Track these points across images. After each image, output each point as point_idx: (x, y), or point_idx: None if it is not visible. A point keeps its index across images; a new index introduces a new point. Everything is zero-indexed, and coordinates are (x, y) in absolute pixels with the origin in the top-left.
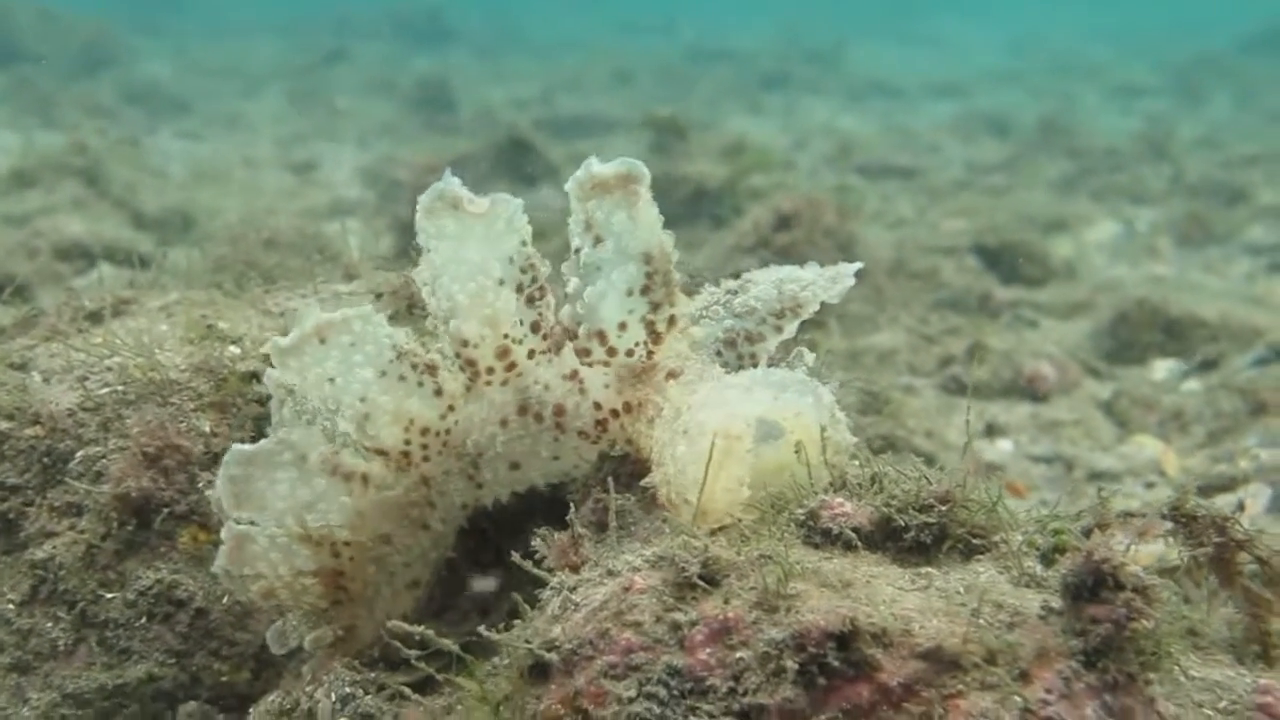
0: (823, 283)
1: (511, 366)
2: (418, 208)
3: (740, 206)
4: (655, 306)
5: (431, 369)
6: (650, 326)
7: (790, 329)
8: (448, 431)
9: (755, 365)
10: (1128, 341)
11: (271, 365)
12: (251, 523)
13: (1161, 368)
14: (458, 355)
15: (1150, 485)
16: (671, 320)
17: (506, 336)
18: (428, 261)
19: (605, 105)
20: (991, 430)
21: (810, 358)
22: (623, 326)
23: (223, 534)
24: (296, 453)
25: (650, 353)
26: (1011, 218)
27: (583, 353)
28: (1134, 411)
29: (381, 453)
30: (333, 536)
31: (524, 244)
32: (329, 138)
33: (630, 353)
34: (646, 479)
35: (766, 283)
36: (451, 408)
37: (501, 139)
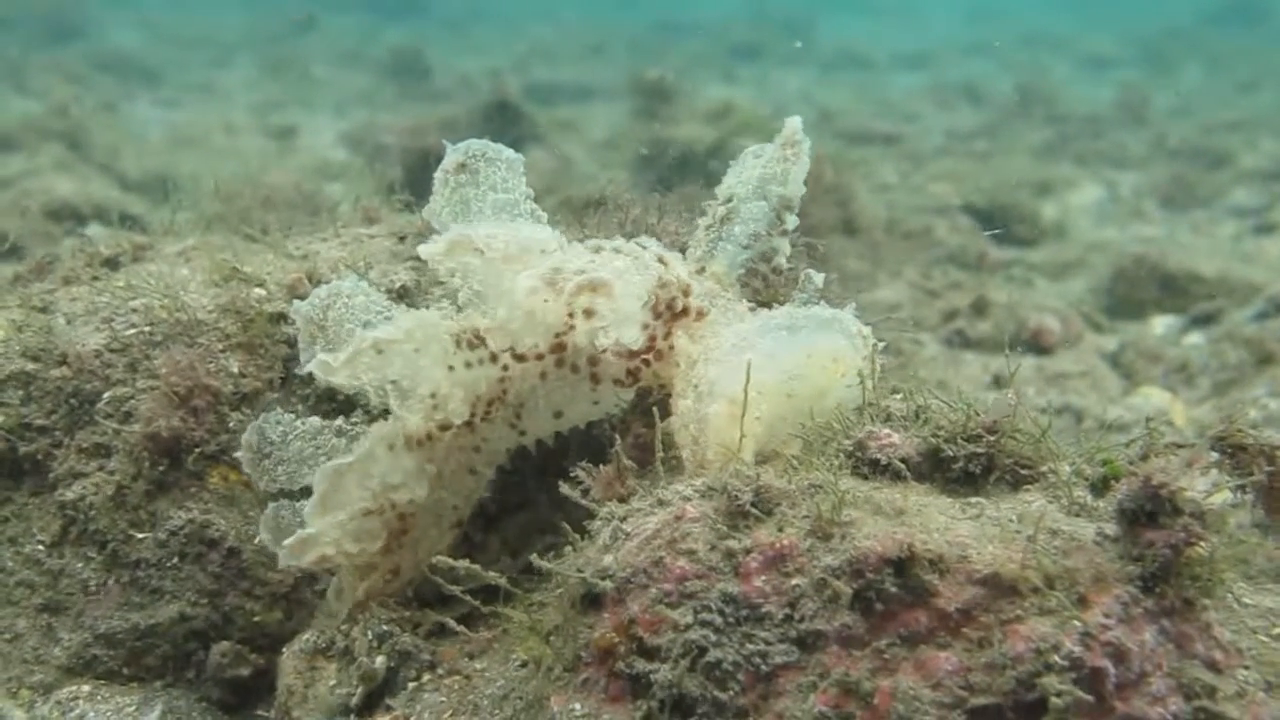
0: (792, 164)
1: (562, 349)
2: (431, 254)
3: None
4: None
5: (483, 340)
6: None
7: (792, 222)
8: (504, 393)
9: (779, 275)
10: (1125, 297)
11: (317, 372)
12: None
13: (1160, 323)
14: (506, 353)
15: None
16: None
17: (558, 335)
18: (460, 286)
19: (580, 74)
20: (999, 382)
21: (819, 278)
22: None
23: (285, 545)
24: (387, 444)
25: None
26: (997, 182)
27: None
28: (1140, 364)
29: (446, 427)
30: (402, 498)
31: (543, 251)
32: (305, 105)
33: None
34: (663, 424)
35: (751, 198)
36: (505, 368)
37: (487, 103)
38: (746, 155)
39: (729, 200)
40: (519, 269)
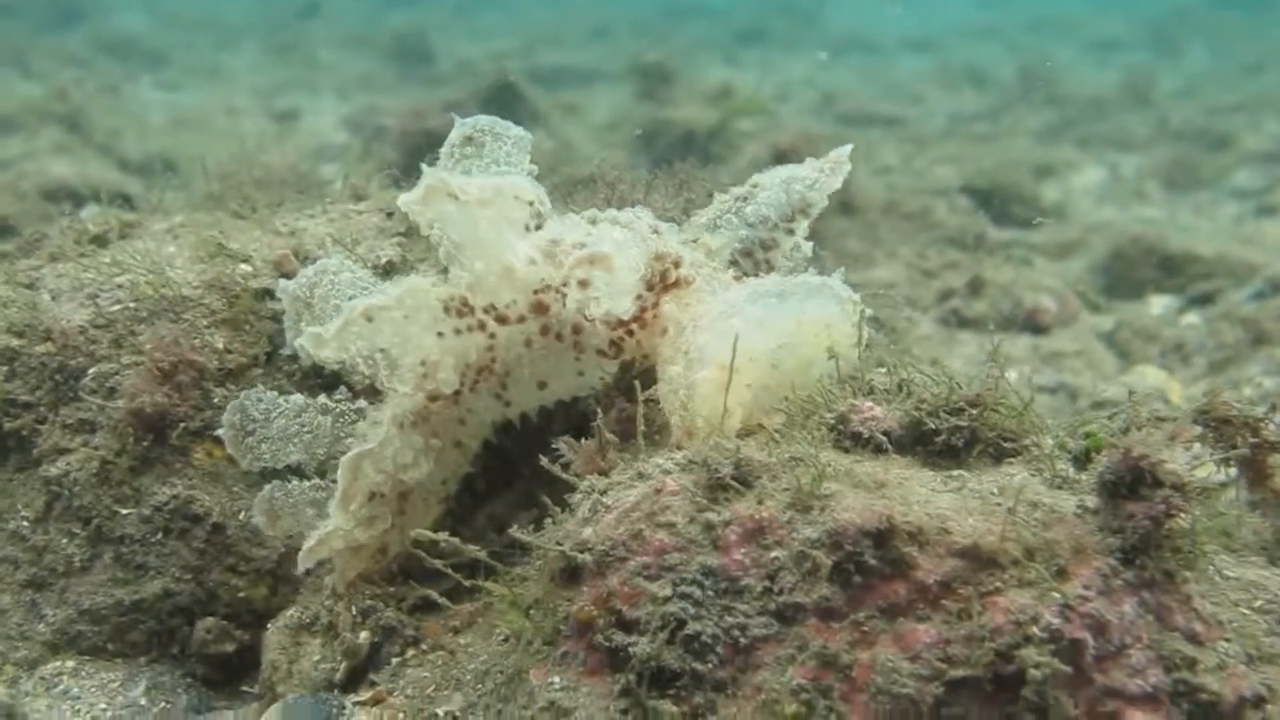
0: (825, 176)
1: (544, 310)
2: (409, 201)
3: (732, 149)
4: None
5: (472, 307)
6: None
7: (802, 230)
8: (492, 361)
9: (771, 270)
10: (1123, 277)
11: (307, 346)
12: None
13: (1158, 303)
14: (488, 312)
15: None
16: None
17: (536, 292)
18: (439, 238)
19: (585, 58)
20: (995, 355)
21: (808, 247)
22: None
23: (303, 549)
24: (398, 423)
25: None
26: (998, 164)
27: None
28: (1135, 343)
29: (437, 397)
30: (411, 485)
31: (531, 203)
32: (308, 88)
33: None
34: (649, 391)
35: (774, 186)
36: (493, 335)
37: (487, 86)
38: (781, 168)
39: (754, 185)
40: (493, 215)
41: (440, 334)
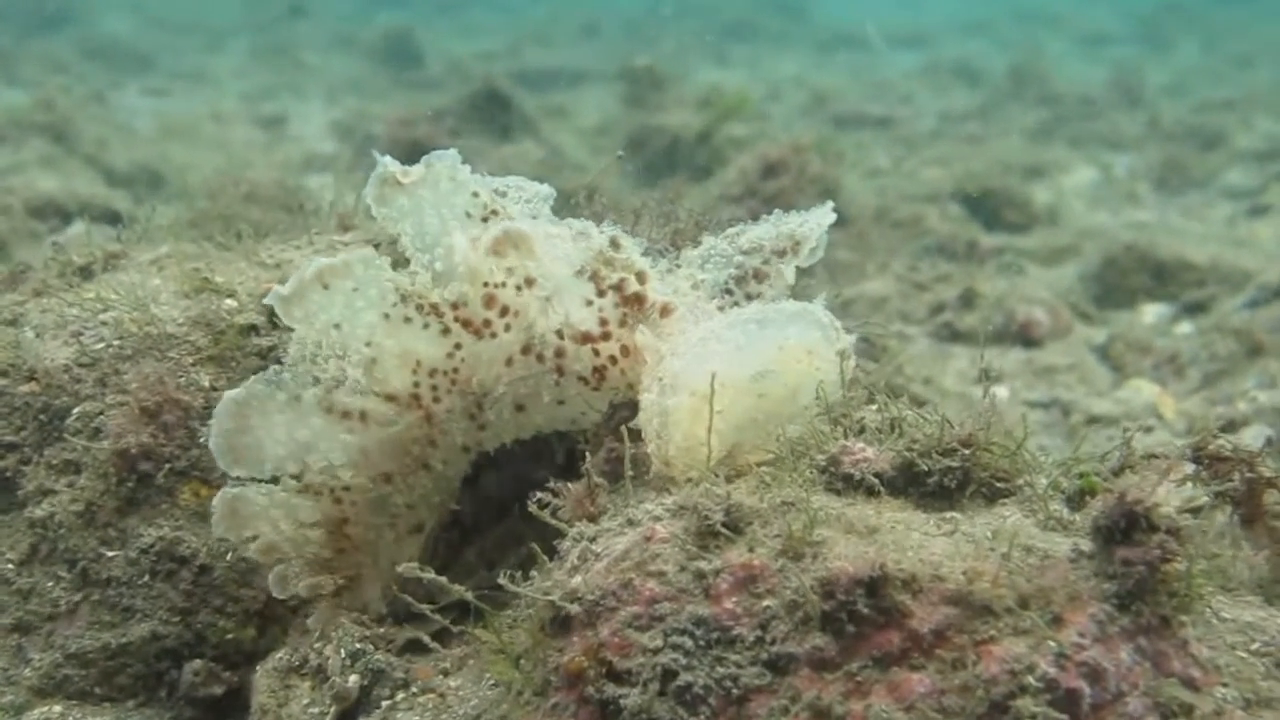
0: (812, 223)
1: (505, 310)
2: (369, 199)
3: (720, 156)
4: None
5: (436, 309)
6: None
7: (790, 271)
8: (455, 370)
9: (754, 299)
10: (1116, 285)
11: (273, 317)
12: (246, 481)
13: (1151, 312)
14: (455, 319)
15: (1148, 429)
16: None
17: (487, 284)
18: (401, 238)
19: (574, 58)
20: (987, 377)
21: (790, 273)
22: None
23: (214, 501)
24: (289, 393)
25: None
26: (990, 166)
27: None
28: (1128, 356)
29: (392, 397)
30: (334, 482)
31: (475, 194)
32: (296, 92)
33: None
34: (633, 421)
35: (763, 226)
36: (458, 345)
37: (475, 91)
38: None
39: (743, 228)
40: (432, 197)
41: (386, 315)
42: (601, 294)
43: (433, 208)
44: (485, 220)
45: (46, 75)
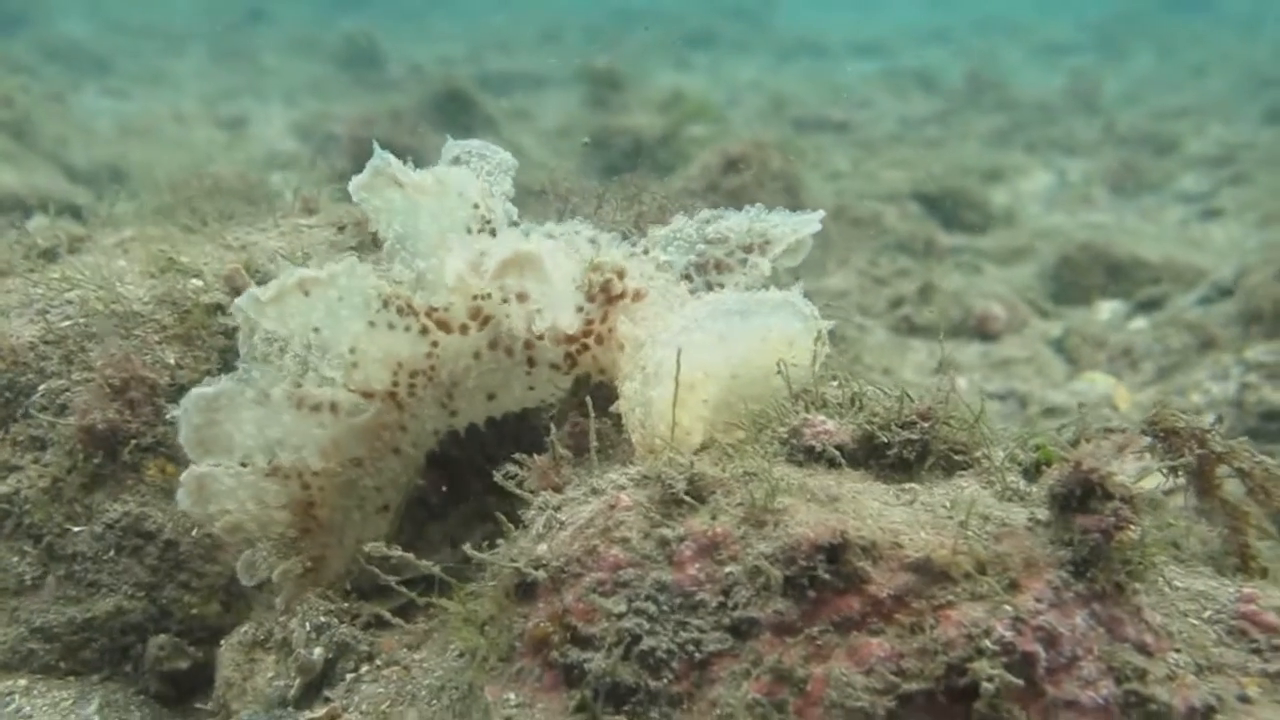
0: (790, 225)
1: (486, 321)
2: (356, 186)
3: (684, 156)
4: None
5: (414, 310)
6: None
7: (766, 265)
8: (432, 368)
9: (717, 288)
10: (1072, 283)
11: (246, 309)
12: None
13: (1106, 308)
14: (429, 317)
15: (1105, 422)
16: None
17: (476, 298)
18: (385, 230)
19: (534, 63)
20: (944, 368)
21: (766, 265)
22: None
23: (182, 477)
24: (259, 390)
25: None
26: (948, 169)
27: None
28: (1084, 349)
29: (369, 394)
30: (303, 467)
31: (476, 206)
32: (256, 95)
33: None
34: (614, 405)
35: (740, 217)
36: (435, 343)
37: (437, 92)
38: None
39: (721, 215)
40: (435, 206)
41: (371, 323)
42: (591, 299)
43: (431, 216)
44: (480, 231)
45: (4, 75)
